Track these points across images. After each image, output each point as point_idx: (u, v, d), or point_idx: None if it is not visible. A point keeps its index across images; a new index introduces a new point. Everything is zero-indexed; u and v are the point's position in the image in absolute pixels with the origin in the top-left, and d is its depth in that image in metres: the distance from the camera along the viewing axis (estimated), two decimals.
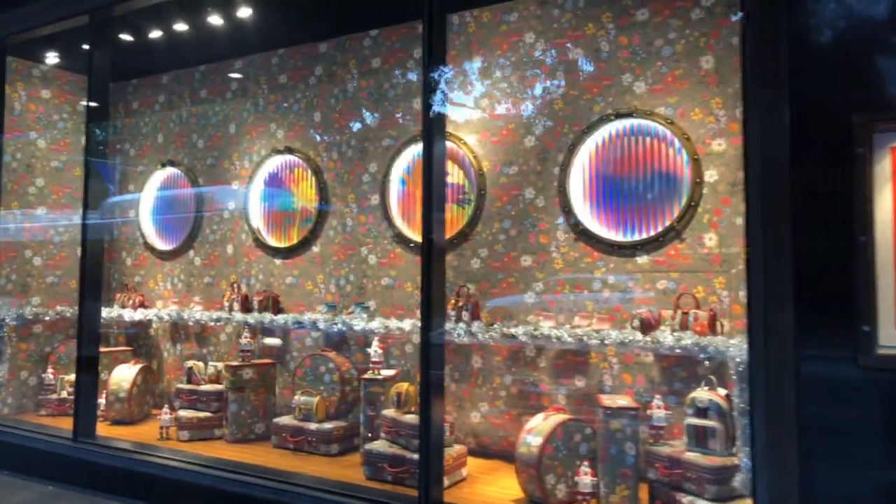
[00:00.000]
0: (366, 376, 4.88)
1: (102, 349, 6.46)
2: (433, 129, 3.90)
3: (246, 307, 6.04)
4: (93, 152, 5.50)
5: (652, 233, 4.55)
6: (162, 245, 7.01)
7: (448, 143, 5.37)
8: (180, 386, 5.80)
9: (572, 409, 4.73)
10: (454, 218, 5.35)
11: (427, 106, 3.91)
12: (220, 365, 5.89)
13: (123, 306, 6.80)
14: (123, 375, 6.11)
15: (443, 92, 4.01)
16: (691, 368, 4.36)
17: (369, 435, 4.77)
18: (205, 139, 6.76)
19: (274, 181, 6.32)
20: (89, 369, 5.37)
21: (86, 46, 6.17)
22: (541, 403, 4.88)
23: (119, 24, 5.85)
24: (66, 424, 5.82)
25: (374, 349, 4.94)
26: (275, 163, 6.30)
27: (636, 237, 4.61)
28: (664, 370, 4.46)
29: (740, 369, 3.52)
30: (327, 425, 5.11)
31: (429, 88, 3.92)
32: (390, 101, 5.67)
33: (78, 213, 6.79)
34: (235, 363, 5.53)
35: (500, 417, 5.03)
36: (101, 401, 6.16)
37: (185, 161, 6.88)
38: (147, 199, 7.16)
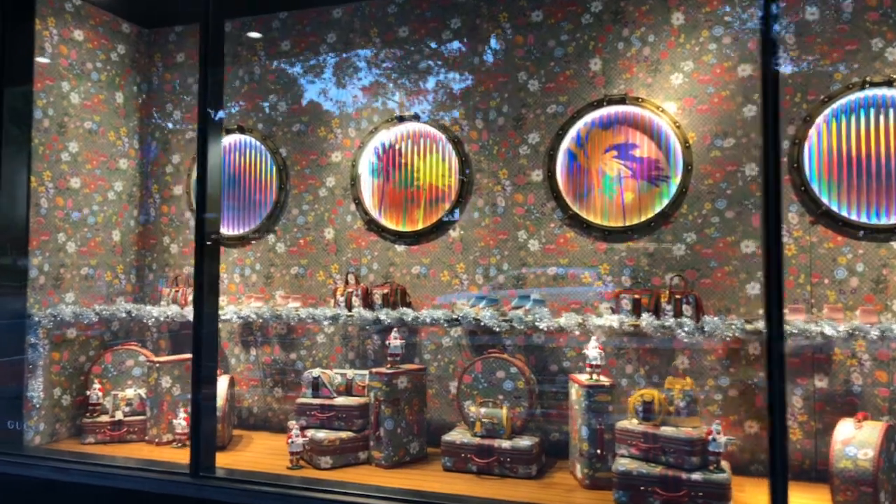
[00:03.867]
0: (586, 382, 4.10)
1: (169, 358, 5.22)
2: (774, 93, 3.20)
3: (368, 302, 5.02)
4: (209, 108, 4.27)
5: None
6: (226, 229, 5.76)
7: (636, 110, 4.69)
8: (305, 401, 4.69)
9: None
10: (645, 198, 4.67)
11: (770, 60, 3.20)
12: (350, 372, 4.85)
13: (179, 304, 5.50)
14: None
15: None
16: None
17: (598, 452, 4.00)
18: (289, 101, 5.60)
19: (390, 153, 5.32)
20: (209, 387, 4.18)
21: None
22: (757, 404, 4.33)
23: None
24: (124, 453, 4.73)
25: (593, 350, 4.16)
26: (393, 132, 5.30)
27: (891, 220, 4.16)
28: None
29: None
30: (524, 441, 4.27)
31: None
32: (557, 61, 4.88)
33: (113, 190, 5.49)
34: (386, 370, 4.53)
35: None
36: (180, 421, 4.93)
37: (260, 127, 5.68)
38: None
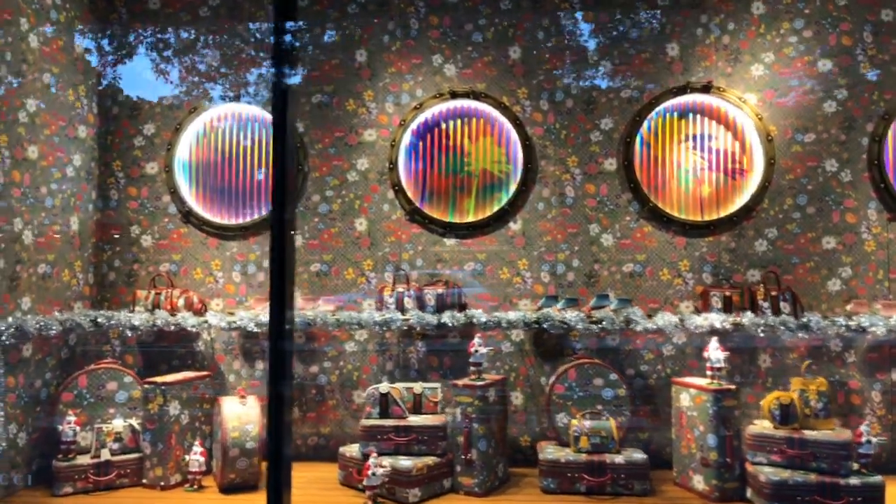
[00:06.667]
0: (710, 387, 3.80)
1: (175, 377, 4.18)
2: None
3: (420, 303, 4.35)
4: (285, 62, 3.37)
5: None
6: (220, 218, 4.73)
7: (713, 99, 4.51)
8: (373, 423, 3.91)
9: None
10: (723, 191, 4.50)
11: None
12: (417, 386, 4.14)
13: (165, 310, 4.43)
14: (246, 417, 3.94)
15: None
16: None
17: (727, 461, 3.71)
18: (307, 67, 4.73)
19: (434, 134, 4.67)
20: (285, 416, 3.29)
21: None
22: (849, 403, 4.33)
23: None
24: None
25: (715, 354, 3.87)
26: (438, 109, 4.65)
27: None
28: None
29: None
30: (638, 455, 3.88)
31: None
32: (631, 42, 4.56)
33: (72, 164, 4.35)
34: (476, 381, 3.90)
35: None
36: (196, 457, 3.93)
37: (268, 96, 4.73)
38: (186, 148, 4.78)
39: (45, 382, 4.14)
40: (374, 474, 3.62)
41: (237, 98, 4.73)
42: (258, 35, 4.74)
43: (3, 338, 3.68)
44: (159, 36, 4.78)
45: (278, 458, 3.17)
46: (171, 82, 4.76)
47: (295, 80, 3.42)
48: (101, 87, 4.74)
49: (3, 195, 3.79)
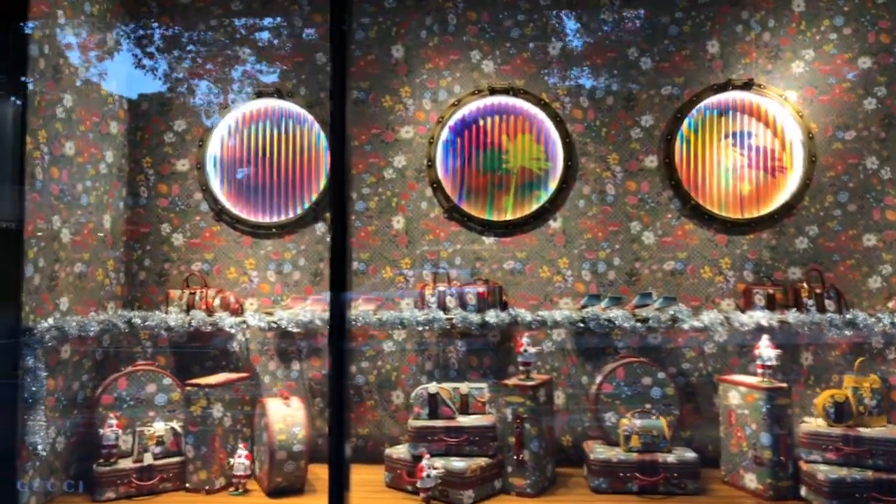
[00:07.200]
0: (762, 385, 3.78)
1: (217, 379, 4.09)
2: None
3: (461, 302, 4.30)
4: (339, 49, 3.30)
5: None
6: (254, 216, 4.65)
7: (752, 96, 4.50)
8: (423, 423, 3.85)
9: None
10: (763, 189, 4.49)
11: None
12: (464, 386, 4.09)
13: (200, 309, 4.34)
14: (292, 418, 3.87)
15: None
16: None
17: (781, 459, 3.70)
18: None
19: (472, 130, 4.61)
20: (346, 417, 3.23)
21: None
22: (890, 400, 4.34)
23: None
24: None
25: (767, 351, 3.86)
26: (476, 106, 4.60)
27: None
28: None
29: None
30: (689, 454, 3.86)
31: None
32: (672, 39, 4.53)
33: (104, 161, 4.26)
34: (526, 381, 3.86)
35: None
36: (241, 461, 3.85)
37: (304, 92, 4.65)
38: (218, 144, 4.68)
39: (82, 385, 4.04)
40: (428, 476, 3.57)
41: (279, 94, 4.64)
42: (293, 29, 4.66)
43: (46, 339, 3.58)
44: (190, 30, 4.67)
45: (339, 460, 3.11)
46: (203, 77, 4.66)
47: (346, 73, 3.34)
48: (131, 82, 4.63)
49: (43, 193, 3.69)
